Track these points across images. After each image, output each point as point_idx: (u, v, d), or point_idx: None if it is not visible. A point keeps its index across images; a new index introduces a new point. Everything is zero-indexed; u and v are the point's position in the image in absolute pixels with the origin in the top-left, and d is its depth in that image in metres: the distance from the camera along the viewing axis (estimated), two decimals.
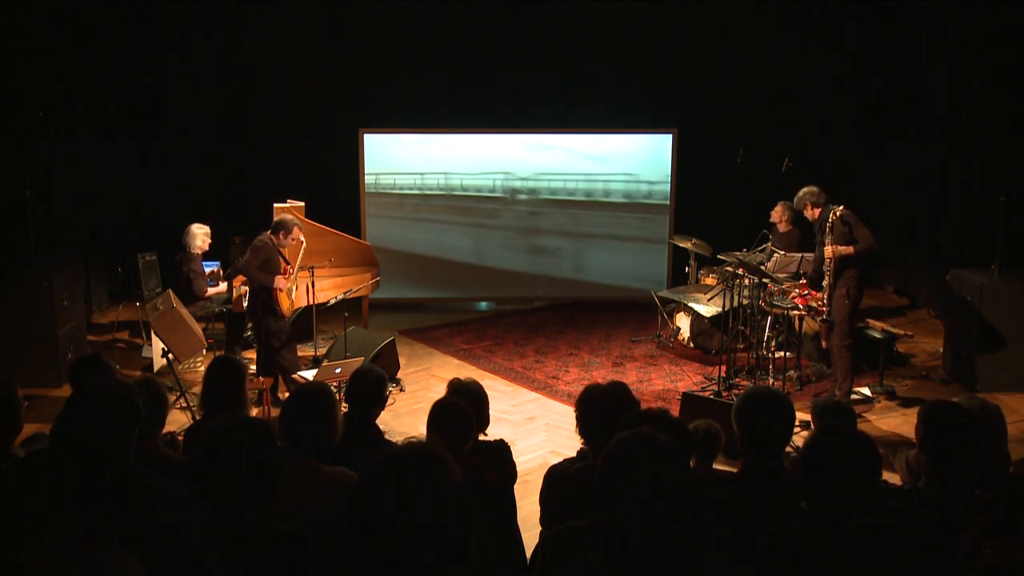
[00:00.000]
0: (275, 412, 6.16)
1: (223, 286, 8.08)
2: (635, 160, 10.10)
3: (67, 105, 8.55)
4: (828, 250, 6.35)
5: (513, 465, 3.94)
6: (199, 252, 7.85)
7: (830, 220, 6.33)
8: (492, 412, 4.01)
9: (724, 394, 6.87)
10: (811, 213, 6.59)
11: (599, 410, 3.13)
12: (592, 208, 10.13)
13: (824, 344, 6.96)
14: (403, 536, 1.70)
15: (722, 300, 7.61)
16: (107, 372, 3.80)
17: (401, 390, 7.22)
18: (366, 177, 9.97)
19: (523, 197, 10.09)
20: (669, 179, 10.01)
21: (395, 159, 10.00)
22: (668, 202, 10.06)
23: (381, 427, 3.83)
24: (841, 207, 6.37)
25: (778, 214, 8.21)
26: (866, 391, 6.95)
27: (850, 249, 6.32)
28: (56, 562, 1.64)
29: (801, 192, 6.66)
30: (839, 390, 6.55)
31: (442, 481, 1.74)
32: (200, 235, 7.85)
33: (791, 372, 7.30)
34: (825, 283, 6.44)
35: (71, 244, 8.69)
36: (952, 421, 2.87)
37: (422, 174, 10.03)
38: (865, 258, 6.41)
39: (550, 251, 10.25)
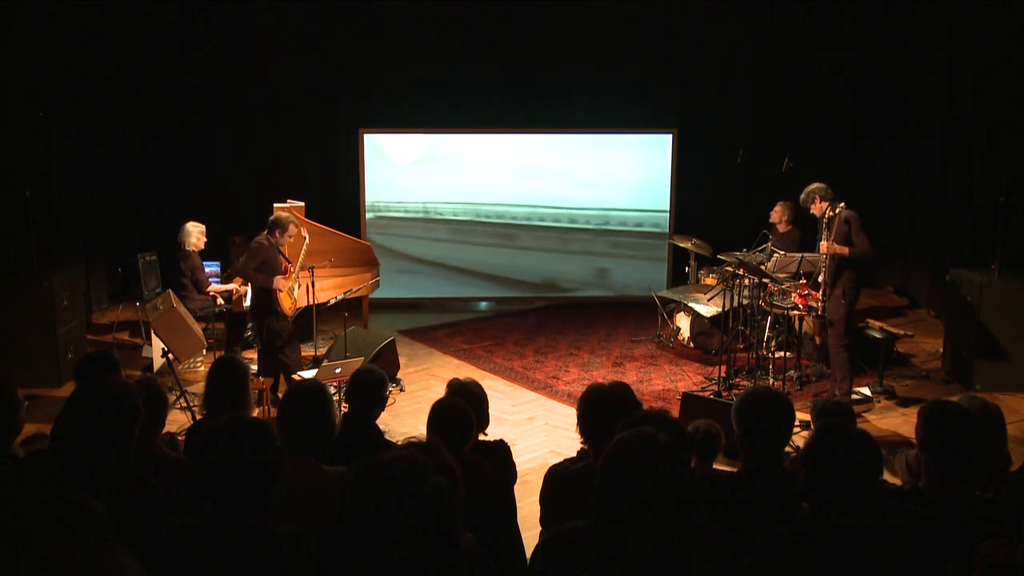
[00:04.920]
0: (275, 412, 6.15)
1: (232, 285, 8.05)
2: (634, 160, 10.11)
3: (67, 105, 8.55)
4: (823, 246, 6.36)
5: (513, 465, 3.94)
6: (194, 249, 7.81)
7: (827, 215, 6.35)
8: (492, 412, 4.01)
9: (724, 394, 6.88)
10: (819, 207, 6.54)
11: (600, 410, 3.12)
12: (590, 206, 10.15)
13: (817, 340, 6.97)
14: (386, 545, 1.70)
15: (722, 300, 7.61)
16: (114, 370, 3.80)
17: (401, 390, 7.22)
18: (366, 197, 9.97)
19: (523, 208, 10.11)
20: (669, 179, 10.03)
21: (393, 183, 10.02)
22: (668, 202, 10.07)
23: (381, 427, 3.83)
24: (843, 205, 6.38)
25: (778, 214, 8.21)
26: (866, 391, 6.95)
27: (845, 249, 6.31)
28: (56, 562, 1.64)
29: (811, 186, 6.61)
30: (838, 390, 6.55)
31: (422, 492, 1.74)
32: (195, 232, 7.79)
33: (791, 372, 7.30)
34: (821, 279, 6.43)
35: (71, 244, 8.69)
36: (952, 421, 2.87)
37: (422, 203, 10.04)
38: (860, 263, 6.39)
39: (549, 251, 10.25)
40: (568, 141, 10.11)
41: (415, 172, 10.01)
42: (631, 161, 10.12)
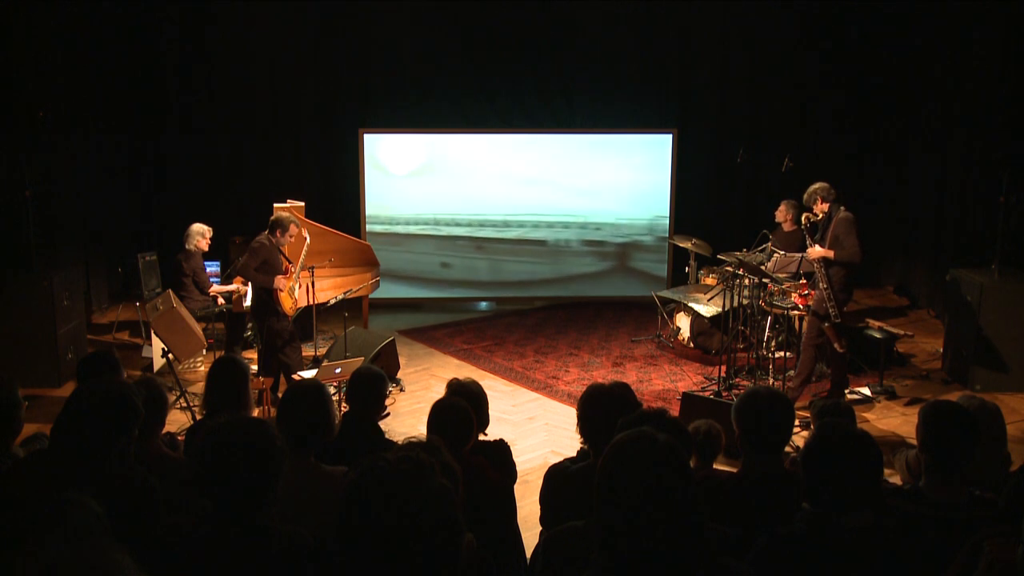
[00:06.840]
0: (275, 412, 6.15)
1: (233, 285, 8.05)
2: (633, 160, 10.11)
3: (67, 105, 8.55)
4: (810, 251, 6.39)
5: (513, 465, 3.93)
6: (195, 250, 7.81)
7: (806, 221, 6.40)
8: (492, 412, 4.01)
9: (724, 394, 6.87)
10: (820, 207, 6.55)
11: (601, 410, 3.12)
12: (590, 206, 10.15)
13: (839, 347, 6.94)
14: (391, 544, 1.70)
15: (722, 300, 7.61)
16: (115, 369, 3.79)
17: (401, 390, 7.22)
18: (367, 209, 9.97)
19: (525, 217, 10.11)
20: (669, 179, 10.03)
21: (393, 198, 10.03)
22: (668, 202, 10.07)
23: (381, 427, 3.83)
24: (843, 208, 6.38)
25: (782, 213, 8.19)
26: (866, 391, 6.95)
27: (830, 253, 6.31)
28: (55, 562, 1.64)
29: (814, 186, 6.60)
30: (791, 383, 6.65)
31: (423, 493, 1.73)
32: (196, 235, 7.80)
33: (791, 372, 7.29)
34: (823, 286, 6.38)
35: (71, 244, 8.69)
36: (952, 421, 2.87)
37: (418, 220, 10.04)
38: (846, 266, 6.38)
39: (549, 252, 10.25)
40: (568, 141, 10.11)
41: (414, 182, 10.00)
42: (631, 161, 10.11)
